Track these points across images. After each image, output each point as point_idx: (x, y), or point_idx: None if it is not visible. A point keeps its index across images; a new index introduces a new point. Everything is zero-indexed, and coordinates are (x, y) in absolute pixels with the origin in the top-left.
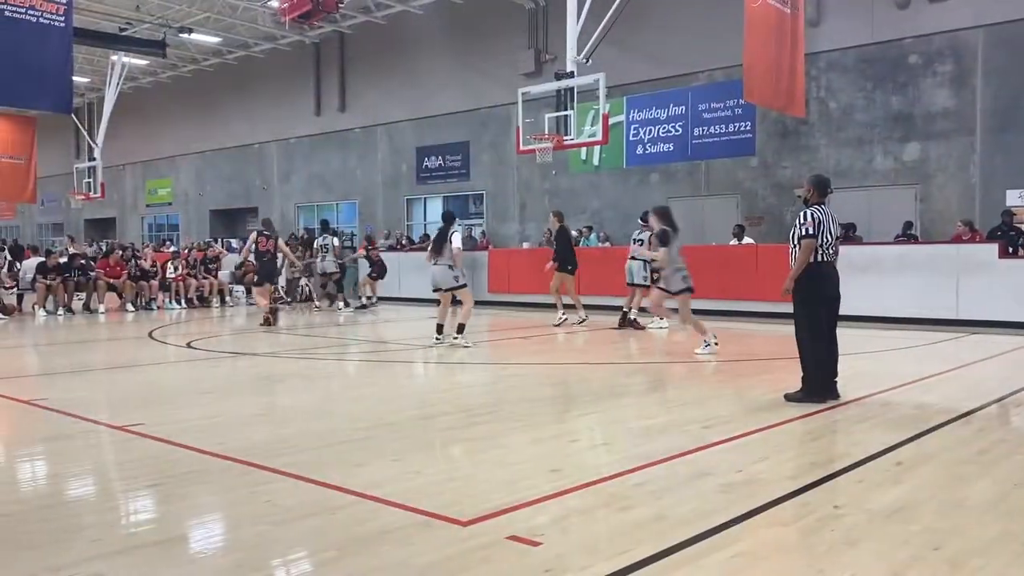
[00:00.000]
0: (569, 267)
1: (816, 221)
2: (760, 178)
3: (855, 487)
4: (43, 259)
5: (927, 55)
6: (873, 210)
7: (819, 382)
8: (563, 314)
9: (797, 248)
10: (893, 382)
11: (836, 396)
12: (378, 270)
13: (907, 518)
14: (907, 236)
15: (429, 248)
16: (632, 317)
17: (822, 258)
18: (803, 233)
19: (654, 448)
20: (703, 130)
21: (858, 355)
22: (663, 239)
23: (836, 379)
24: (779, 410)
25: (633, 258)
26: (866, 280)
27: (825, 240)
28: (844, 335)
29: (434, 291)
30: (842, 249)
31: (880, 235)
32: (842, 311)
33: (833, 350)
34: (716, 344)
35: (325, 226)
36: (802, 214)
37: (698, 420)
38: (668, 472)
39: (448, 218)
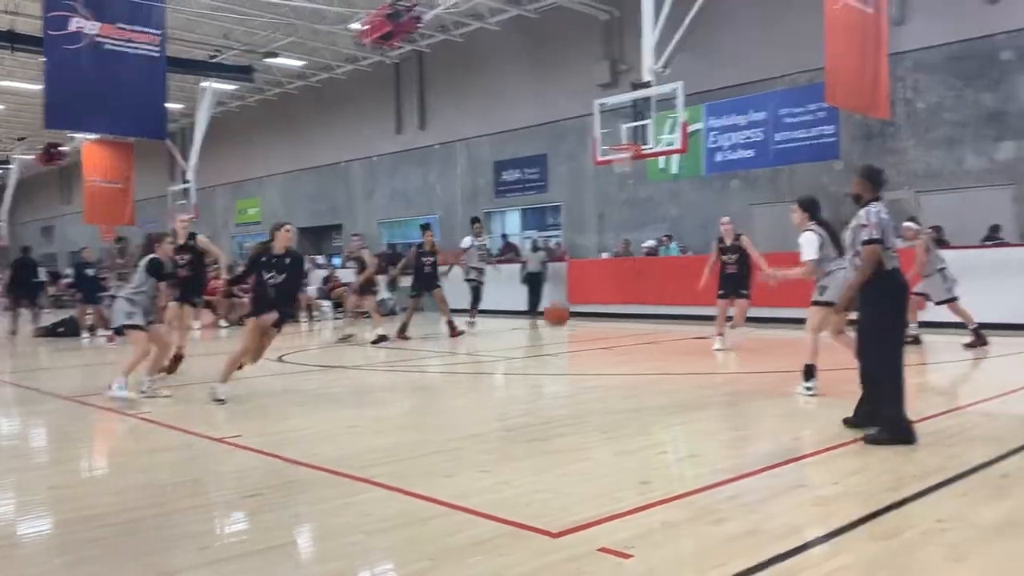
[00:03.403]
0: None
1: (881, 221)
2: (846, 182)
3: (959, 500)
4: None
5: (1020, 50)
6: (966, 212)
7: (903, 419)
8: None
9: (857, 257)
10: (993, 391)
11: (916, 435)
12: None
13: (1016, 533)
14: (994, 239)
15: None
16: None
17: (893, 263)
18: (867, 237)
19: (744, 460)
20: (785, 135)
21: (955, 363)
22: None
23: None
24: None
25: None
26: (963, 285)
27: (891, 242)
28: (939, 343)
29: None
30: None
31: (974, 238)
32: (938, 318)
33: (903, 376)
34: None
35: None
36: (863, 212)
37: (788, 431)
38: (760, 484)
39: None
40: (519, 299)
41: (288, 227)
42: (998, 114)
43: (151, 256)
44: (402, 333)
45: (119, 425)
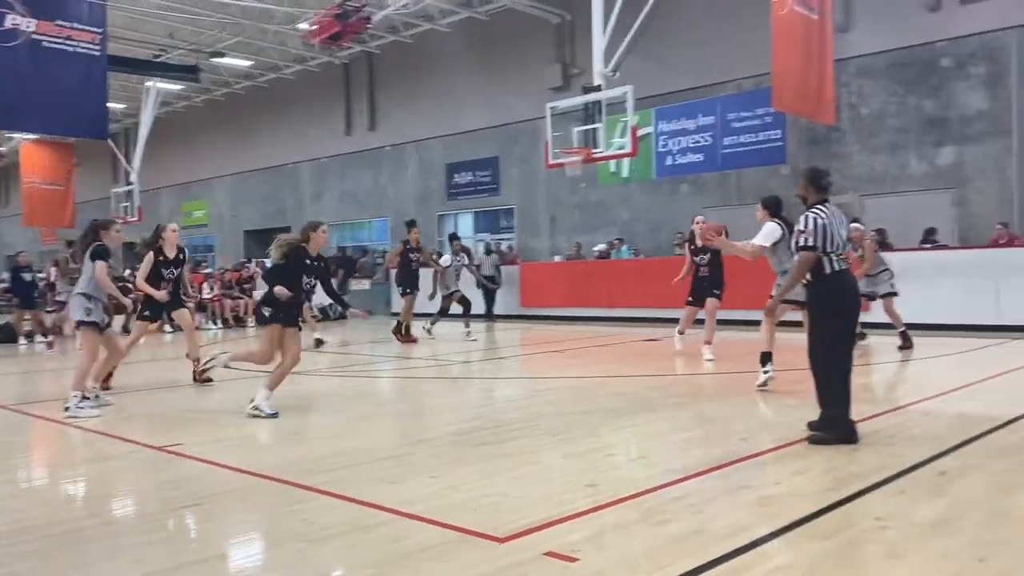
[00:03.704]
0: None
1: (818, 228)
2: (792, 186)
3: (897, 499)
4: None
5: (959, 57)
6: (908, 216)
7: (844, 419)
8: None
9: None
10: (933, 391)
11: (858, 435)
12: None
13: (952, 530)
14: (930, 242)
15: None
16: None
17: (837, 266)
18: (802, 243)
19: (691, 461)
20: (733, 139)
21: (895, 363)
22: None
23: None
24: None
25: None
26: (903, 287)
27: (834, 244)
28: (881, 343)
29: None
30: (880, 256)
31: (916, 241)
32: (879, 319)
33: (850, 377)
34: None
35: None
36: (802, 217)
37: (735, 432)
38: (706, 486)
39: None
40: (475, 303)
41: (325, 227)
42: (939, 120)
43: (97, 242)
44: (407, 334)
45: (56, 434)
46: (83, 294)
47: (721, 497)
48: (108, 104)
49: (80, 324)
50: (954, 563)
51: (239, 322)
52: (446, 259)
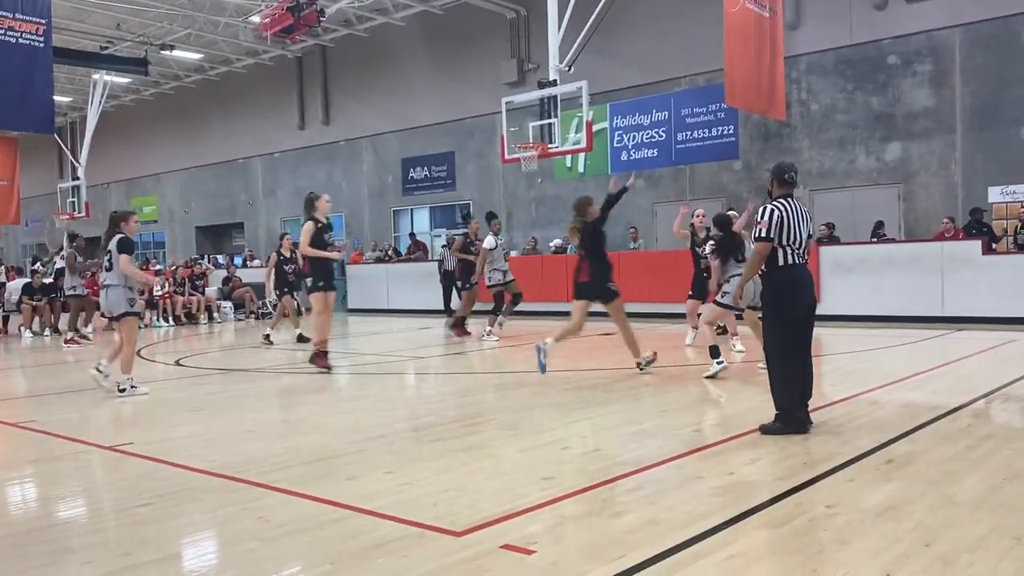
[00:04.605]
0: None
1: (775, 220)
2: (745, 180)
3: (846, 486)
4: (28, 280)
5: (905, 55)
6: (857, 210)
7: (795, 409)
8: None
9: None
10: (880, 381)
11: (810, 422)
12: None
13: (898, 516)
14: (877, 236)
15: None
16: None
17: (792, 259)
18: (757, 234)
19: (645, 453)
20: (686, 135)
21: (844, 355)
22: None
23: (808, 401)
24: (767, 412)
25: None
26: (851, 279)
27: (792, 238)
28: (830, 335)
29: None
30: (828, 249)
31: (864, 235)
32: (829, 311)
33: (808, 369)
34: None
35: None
36: (760, 210)
37: (688, 424)
38: (660, 476)
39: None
40: (429, 298)
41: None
42: (886, 116)
43: (120, 235)
44: (461, 326)
45: (2, 435)
46: (123, 286)
47: (675, 488)
48: (54, 97)
49: (125, 315)
50: (900, 547)
51: (191, 319)
52: (490, 240)
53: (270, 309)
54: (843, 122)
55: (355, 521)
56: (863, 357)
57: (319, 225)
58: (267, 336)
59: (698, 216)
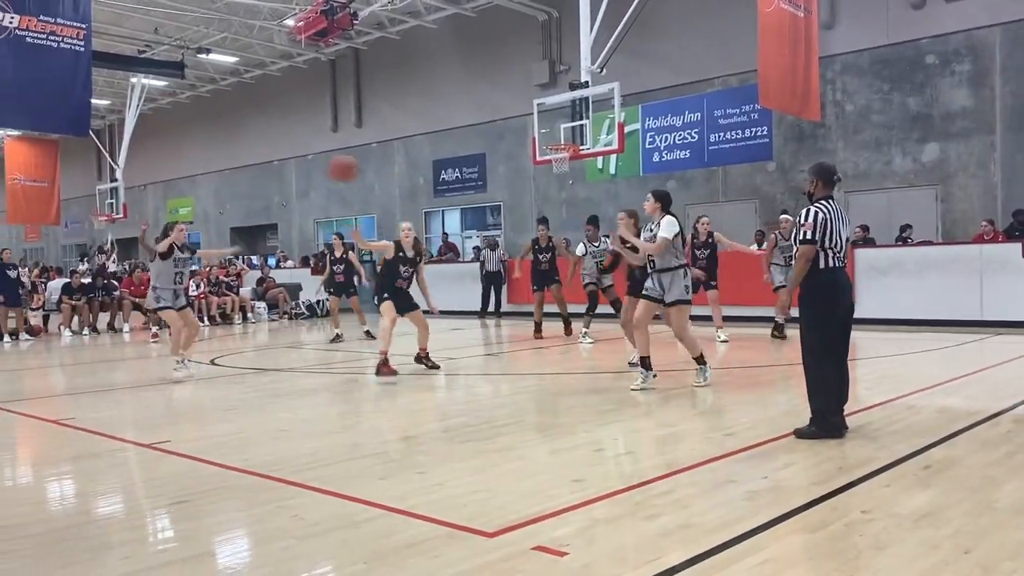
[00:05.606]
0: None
1: (820, 221)
2: (778, 182)
3: (883, 492)
4: (68, 280)
5: (944, 55)
6: (893, 212)
7: (830, 413)
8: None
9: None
10: (917, 385)
11: (846, 427)
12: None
13: (937, 522)
14: (903, 240)
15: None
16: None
17: (832, 263)
18: (801, 237)
19: (677, 456)
20: (719, 136)
21: (881, 358)
22: None
23: (844, 406)
24: (802, 416)
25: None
26: (887, 282)
27: (833, 241)
28: (866, 338)
29: None
30: (863, 252)
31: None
32: (864, 314)
33: (845, 373)
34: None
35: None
36: (803, 212)
37: (720, 428)
38: (693, 480)
39: None
40: (461, 299)
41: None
42: (923, 117)
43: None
44: (537, 332)
45: (41, 432)
46: (154, 286)
47: (708, 491)
48: (93, 100)
49: (157, 311)
50: (939, 553)
51: (226, 319)
52: (580, 248)
53: (303, 310)
54: (879, 123)
55: (387, 520)
56: (899, 361)
57: (399, 254)
58: (337, 335)
59: (704, 223)
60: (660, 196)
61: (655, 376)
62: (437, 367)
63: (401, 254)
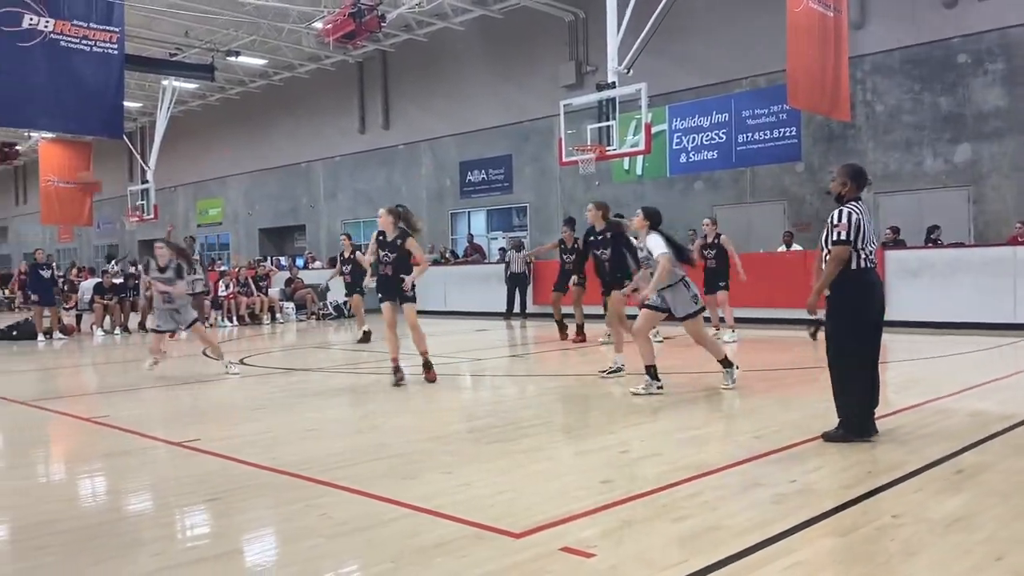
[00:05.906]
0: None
1: (854, 222)
2: (807, 183)
3: (914, 496)
4: (100, 280)
5: (976, 54)
6: (924, 213)
7: (861, 416)
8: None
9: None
10: (949, 389)
11: (876, 430)
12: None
13: (968, 527)
14: (932, 241)
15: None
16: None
17: (864, 264)
18: (836, 238)
19: (705, 458)
20: (747, 136)
21: (911, 361)
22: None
23: (875, 409)
24: (830, 419)
25: None
26: (918, 284)
27: (865, 242)
28: (896, 341)
29: None
30: (893, 253)
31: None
32: (894, 317)
33: (875, 376)
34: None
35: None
36: (835, 213)
37: (748, 430)
38: (720, 482)
39: None
40: (487, 300)
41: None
42: (955, 117)
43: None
44: (578, 333)
45: (75, 430)
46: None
47: (736, 494)
48: (125, 103)
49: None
50: (971, 559)
51: (254, 319)
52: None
53: (330, 310)
54: (909, 123)
55: (414, 520)
56: (931, 364)
57: (379, 238)
58: (366, 333)
59: (708, 224)
60: (650, 214)
61: (660, 387)
62: (403, 384)
63: (381, 238)
